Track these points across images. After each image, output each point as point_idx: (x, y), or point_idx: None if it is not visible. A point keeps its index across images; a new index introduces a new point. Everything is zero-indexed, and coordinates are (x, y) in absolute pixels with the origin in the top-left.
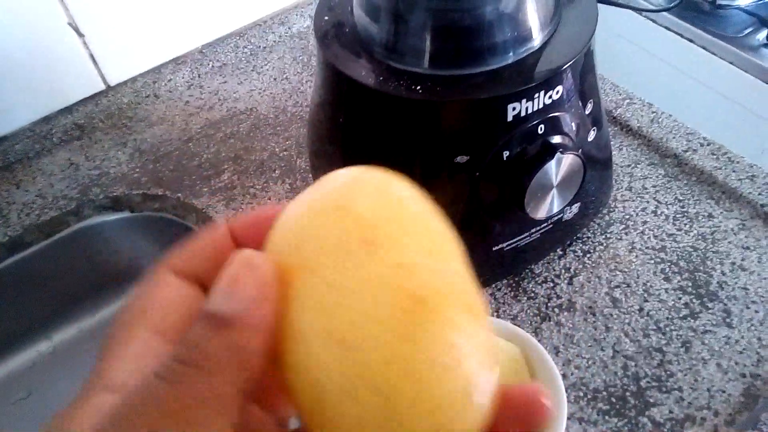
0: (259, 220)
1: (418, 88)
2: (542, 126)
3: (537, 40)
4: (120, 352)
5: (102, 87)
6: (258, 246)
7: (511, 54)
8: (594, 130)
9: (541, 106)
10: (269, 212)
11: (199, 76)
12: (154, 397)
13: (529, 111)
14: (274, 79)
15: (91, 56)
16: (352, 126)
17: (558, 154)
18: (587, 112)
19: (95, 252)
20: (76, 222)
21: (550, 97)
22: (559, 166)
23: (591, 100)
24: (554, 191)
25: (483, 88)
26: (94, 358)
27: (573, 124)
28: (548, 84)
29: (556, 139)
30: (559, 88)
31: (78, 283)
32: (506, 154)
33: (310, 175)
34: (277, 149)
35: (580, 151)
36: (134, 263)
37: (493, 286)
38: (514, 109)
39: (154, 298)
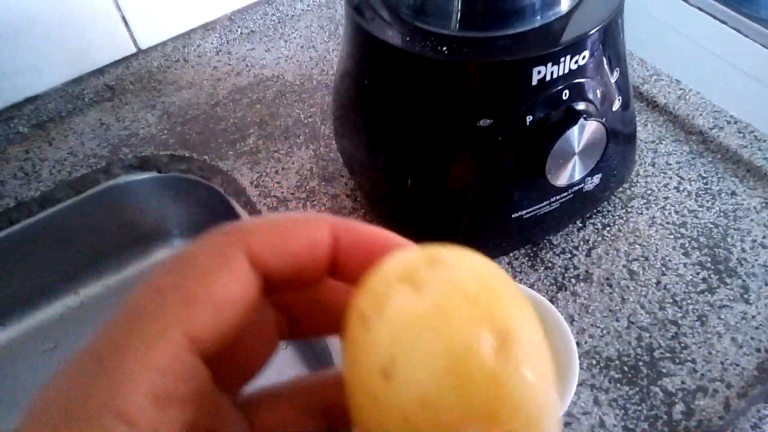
0: (374, 248)
1: (444, 49)
2: (567, 91)
3: (565, 4)
4: (135, 368)
5: (133, 50)
6: (355, 273)
7: (538, 18)
8: (619, 100)
9: (566, 71)
10: (386, 242)
11: (227, 43)
12: None
13: (555, 75)
14: (301, 47)
15: (123, 19)
16: (377, 88)
17: (581, 120)
18: (613, 81)
19: (123, 210)
20: (105, 180)
21: (576, 62)
22: (582, 133)
23: (617, 70)
24: (576, 158)
25: (509, 51)
26: None
27: (598, 91)
28: (575, 48)
29: (580, 106)
30: (586, 53)
31: (105, 240)
32: (529, 118)
33: (334, 142)
34: (302, 116)
35: (603, 119)
36: (160, 223)
37: (511, 254)
38: (539, 72)
39: (209, 286)
